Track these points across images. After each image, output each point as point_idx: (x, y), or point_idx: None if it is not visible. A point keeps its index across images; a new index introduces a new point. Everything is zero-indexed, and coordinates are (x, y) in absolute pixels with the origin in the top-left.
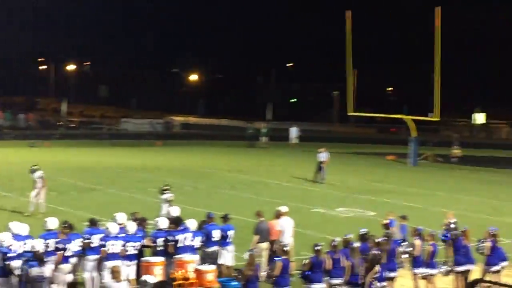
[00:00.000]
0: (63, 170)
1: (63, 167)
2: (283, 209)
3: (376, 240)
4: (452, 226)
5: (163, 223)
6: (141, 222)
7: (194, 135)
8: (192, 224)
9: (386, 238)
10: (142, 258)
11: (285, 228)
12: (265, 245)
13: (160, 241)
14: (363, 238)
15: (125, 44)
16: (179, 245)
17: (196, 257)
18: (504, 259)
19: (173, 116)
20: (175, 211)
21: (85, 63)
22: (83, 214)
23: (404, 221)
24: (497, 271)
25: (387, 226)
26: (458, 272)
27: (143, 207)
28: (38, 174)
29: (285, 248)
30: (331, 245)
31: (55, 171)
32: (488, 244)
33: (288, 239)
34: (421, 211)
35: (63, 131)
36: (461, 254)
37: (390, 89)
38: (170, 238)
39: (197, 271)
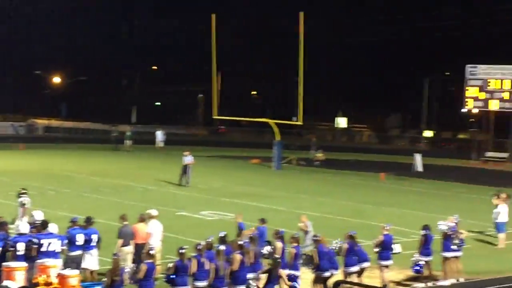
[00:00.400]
0: None
1: None
2: (153, 212)
3: (239, 243)
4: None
5: (24, 227)
6: (2, 226)
7: (57, 138)
8: (53, 228)
9: (249, 240)
10: (3, 263)
11: (154, 232)
12: (128, 248)
13: (21, 245)
14: (222, 241)
15: None
16: (42, 249)
17: (59, 262)
18: (365, 260)
19: (36, 119)
20: (39, 215)
21: None
22: None
23: (263, 224)
24: (357, 272)
25: (240, 234)
26: (323, 278)
27: (4, 211)
28: None
29: (150, 252)
30: (196, 248)
31: None
32: (344, 246)
33: (156, 243)
34: (285, 214)
35: None
36: (325, 259)
37: (254, 92)
38: (35, 241)
39: (60, 276)
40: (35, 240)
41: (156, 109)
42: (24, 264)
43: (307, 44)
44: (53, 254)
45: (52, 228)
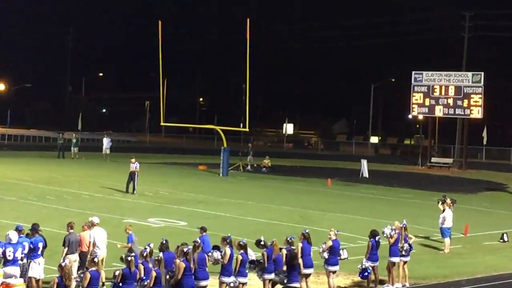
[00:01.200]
0: None
1: None
2: (95, 220)
3: (185, 250)
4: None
5: None
6: None
7: (2, 146)
8: (14, 236)
9: (194, 246)
10: None
11: (98, 239)
12: (74, 256)
13: None
14: (165, 247)
15: None
16: None
17: (12, 270)
18: (309, 266)
19: None
20: None
21: None
22: None
23: (204, 232)
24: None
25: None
26: (266, 280)
27: None
28: None
29: (95, 259)
30: (141, 255)
31: None
32: (284, 251)
33: (101, 250)
34: (233, 220)
35: None
36: (271, 263)
37: (201, 99)
38: None
39: (4, 284)
40: None
41: (102, 116)
42: None
43: (255, 51)
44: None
45: (13, 236)
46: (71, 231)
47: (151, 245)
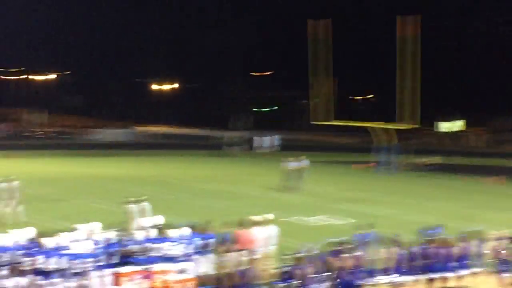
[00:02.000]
0: (30, 180)
1: (30, 178)
2: (269, 217)
3: (337, 248)
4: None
5: (140, 233)
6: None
7: (166, 145)
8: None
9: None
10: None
11: (269, 237)
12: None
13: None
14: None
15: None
16: (158, 254)
17: (176, 266)
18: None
19: (148, 126)
20: (160, 220)
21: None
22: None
23: (369, 229)
24: None
25: None
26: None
27: (111, 217)
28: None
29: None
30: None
31: (23, 181)
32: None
33: (270, 248)
34: (395, 220)
35: (33, 141)
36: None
37: (358, 98)
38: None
39: (174, 280)
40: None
41: (266, 114)
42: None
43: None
44: (170, 259)
45: (176, 232)
46: (234, 229)
47: (311, 245)
